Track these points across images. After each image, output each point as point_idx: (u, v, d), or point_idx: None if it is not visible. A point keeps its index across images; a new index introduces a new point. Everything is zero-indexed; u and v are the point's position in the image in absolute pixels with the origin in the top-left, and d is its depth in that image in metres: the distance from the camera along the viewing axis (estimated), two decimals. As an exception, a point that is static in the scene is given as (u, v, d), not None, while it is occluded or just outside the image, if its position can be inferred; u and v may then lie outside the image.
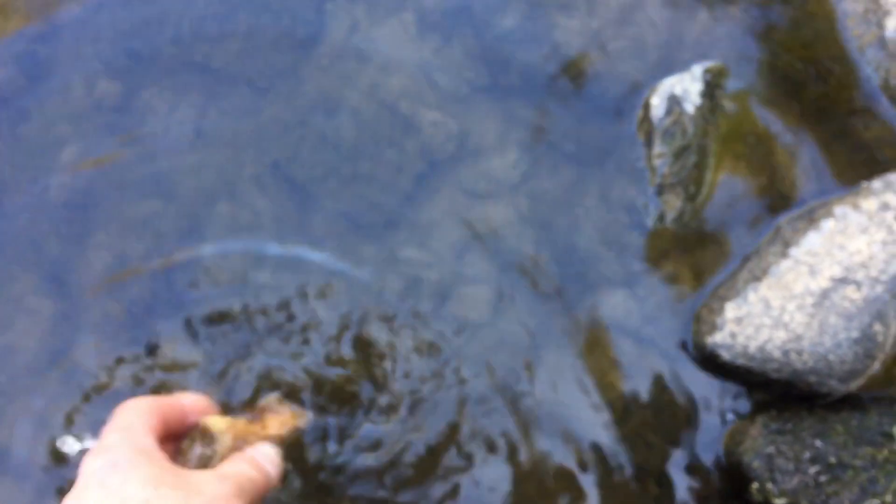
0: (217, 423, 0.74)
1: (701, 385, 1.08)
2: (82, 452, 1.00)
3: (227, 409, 0.95)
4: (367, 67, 1.21)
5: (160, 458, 0.63)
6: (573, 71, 1.21)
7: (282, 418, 0.82)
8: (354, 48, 1.22)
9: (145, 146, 1.17)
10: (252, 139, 1.17)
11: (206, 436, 0.72)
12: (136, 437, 0.64)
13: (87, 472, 0.61)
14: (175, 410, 0.71)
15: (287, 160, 1.17)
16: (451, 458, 1.05)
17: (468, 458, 1.05)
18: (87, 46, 1.22)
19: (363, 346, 1.09)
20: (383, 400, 1.06)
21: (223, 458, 0.72)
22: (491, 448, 1.06)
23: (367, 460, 1.04)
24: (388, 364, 1.08)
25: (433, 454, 1.05)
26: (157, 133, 1.17)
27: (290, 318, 1.10)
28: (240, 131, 1.18)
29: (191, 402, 0.75)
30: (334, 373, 1.07)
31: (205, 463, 0.71)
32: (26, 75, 1.21)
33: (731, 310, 1.05)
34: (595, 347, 1.10)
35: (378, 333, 1.09)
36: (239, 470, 0.68)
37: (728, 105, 1.18)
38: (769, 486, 1.00)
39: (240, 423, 0.76)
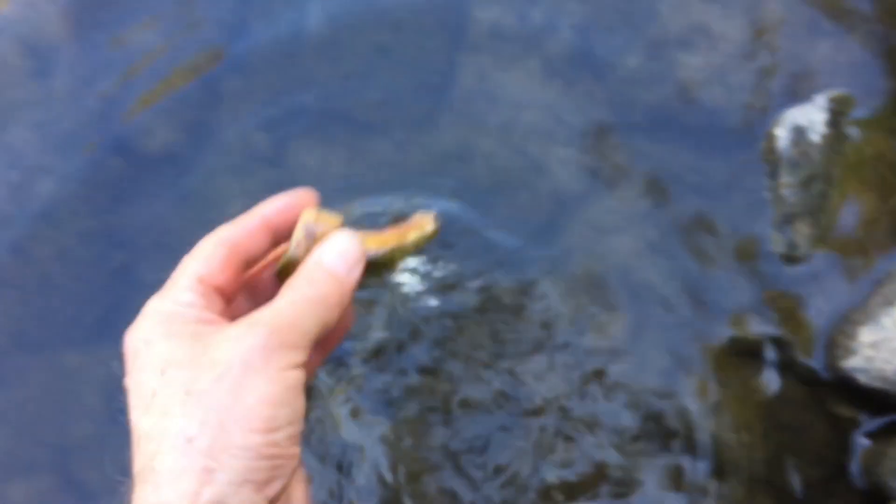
0: (313, 216, 0.59)
1: (838, 407, 1.12)
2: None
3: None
4: (496, 113, 1.30)
5: (184, 321, 0.52)
6: (696, 105, 1.26)
7: (414, 224, 0.66)
8: (484, 95, 1.30)
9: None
10: (396, 186, 1.27)
11: (300, 232, 0.59)
12: (174, 296, 0.54)
13: (125, 355, 0.53)
14: (255, 235, 0.59)
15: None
16: (601, 491, 1.12)
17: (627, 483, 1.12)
18: (244, 104, 1.34)
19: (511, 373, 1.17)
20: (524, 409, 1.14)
21: None
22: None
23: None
24: (531, 384, 1.16)
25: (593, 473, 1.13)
26: (312, 183, 1.28)
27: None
28: (383, 181, 1.27)
29: (285, 205, 0.61)
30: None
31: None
32: (189, 133, 1.34)
33: (865, 334, 1.09)
34: (731, 372, 1.15)
35: (522, 363, 1.17)
36: (285, 304, 0.53)
37: (854, 133, 1.21)
38: (912, 506, 1.03)
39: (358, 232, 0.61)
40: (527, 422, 1.14)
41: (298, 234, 0.59)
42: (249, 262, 0.60)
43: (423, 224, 0.65)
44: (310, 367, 0.56)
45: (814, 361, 1.14)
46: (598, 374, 1.16)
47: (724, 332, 1.16)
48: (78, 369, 1.23)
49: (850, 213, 1.18)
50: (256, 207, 0.60)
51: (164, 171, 1.30)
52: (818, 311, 1.16)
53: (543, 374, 1.17)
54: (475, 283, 1.22)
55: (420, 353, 1.18)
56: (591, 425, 1.14)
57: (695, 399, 1.14)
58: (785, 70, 1.26)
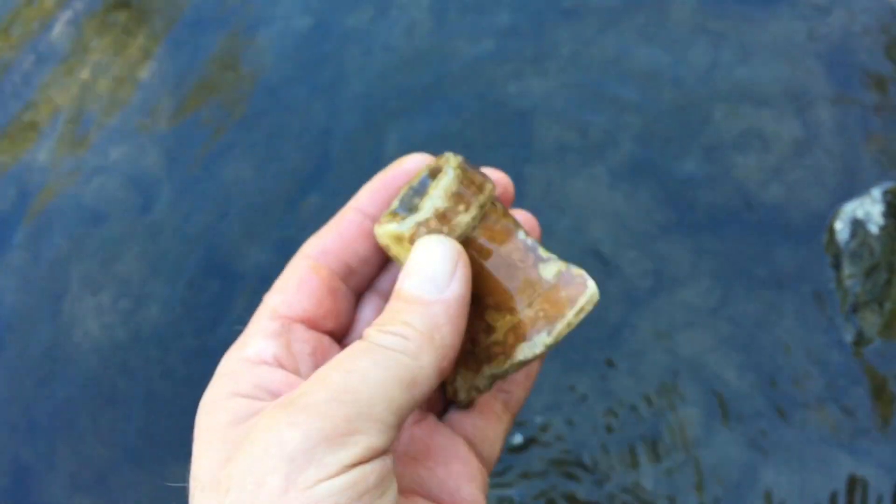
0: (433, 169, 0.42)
1: (923, 493, 1.14)
2: None
3: None
4: (566, 219, 1.38)
5: (241, 390, 0.37)
6: (756, 203, 1.33)
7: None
8: (553, 203, 1.39)
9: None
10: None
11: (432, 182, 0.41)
12: (240, 350, 0.40)
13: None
14: (350, 234, 0.44)
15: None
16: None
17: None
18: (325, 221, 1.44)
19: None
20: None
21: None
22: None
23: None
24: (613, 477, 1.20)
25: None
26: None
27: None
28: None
29: (387, 182, 0.44)
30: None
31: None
32: (276, 251, 1.45)
33: (943, 420, 1.12)
34: (810, 462, 1.18)
35: (609, 463, 1.22)
36: (334, 372, 0.35)
37: (912, 223, 1.26)
38: None
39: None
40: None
41: (404, 195, 0.43)
42: (355, 274, 0.44)
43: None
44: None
45: (893, 448, 1.16)
46: (677, 468, 1.20)
47: (801, 423, 1.20)
48: (182, 482, 1.30)
49: (916, 301, 1.22)
50: (352, 199, 0.45)
51: (256, 288, 1.40)
52: (893, 395, 1.19)
53: (625, 469, 1.21)
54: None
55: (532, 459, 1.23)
56: (679, 520, 1.18)
57: (773, 491, 1.17)
58: (839, 166, 1.32)
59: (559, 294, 0.40)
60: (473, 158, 1.38)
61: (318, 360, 0.40)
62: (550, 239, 1.36)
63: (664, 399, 1.25)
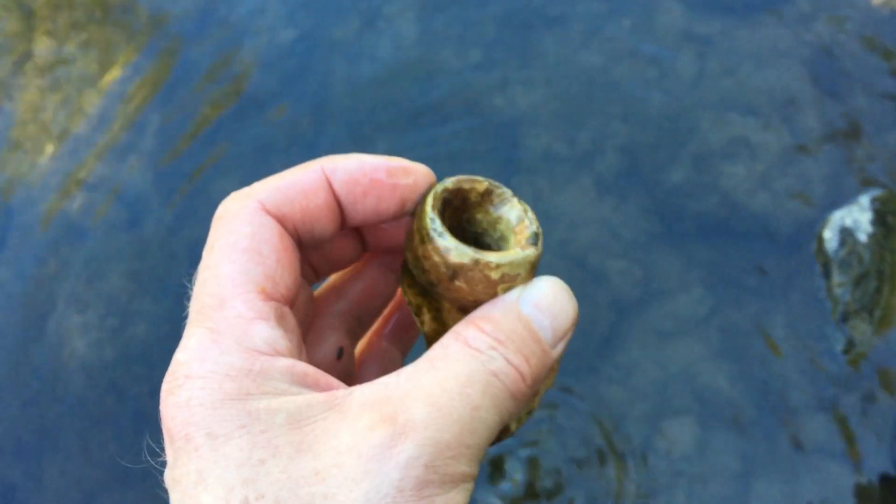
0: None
1: (915, 501, 1.14)
2: None
3: None
4: (555, 229, 1.37)
5: (269, 389, 0.32)
6: (744, 212, 1.33)
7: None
8: (542, 213, 1.38)
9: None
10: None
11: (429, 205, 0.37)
12: (237, 335, 0.33)
13: (168, 436, 0.33)
14: (314, 201, 0.37)
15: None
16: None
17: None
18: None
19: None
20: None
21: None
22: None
23: None
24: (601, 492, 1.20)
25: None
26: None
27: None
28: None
29: (364, 170, 0.37)
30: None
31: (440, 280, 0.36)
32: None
33: (934, 427, 1.12)
34: (802, 471, 1.18)
35: (595, 464, 1.21)
36: (442, 393, 0.32)
37: (900, 230, 1.26)
38: None
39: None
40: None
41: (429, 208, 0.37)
42: (302, 246, 0.38)
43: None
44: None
45: (884, 456, 1.16)
46: (670, 478, 1.20)
47: (792, 432, 1.20)
48: None
49: (905, 308, 1.23)
50: (327, 162, 0.38)
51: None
52: (883, 404, 1.19)
53: (615, 479, 1.21)
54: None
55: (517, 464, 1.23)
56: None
57: (769, 501, 1.17)
58: (827, 173, 1.32)
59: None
60: (461, 170, 1.37)
61: (300, 343, 0.36)
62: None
63: (655, 409, 1.25)
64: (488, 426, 0.32)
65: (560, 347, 0.36)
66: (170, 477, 0.32)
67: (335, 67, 1.54)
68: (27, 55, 1.70)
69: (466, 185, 0.39)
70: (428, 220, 0.36)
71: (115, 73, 1.62)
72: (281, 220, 0.36)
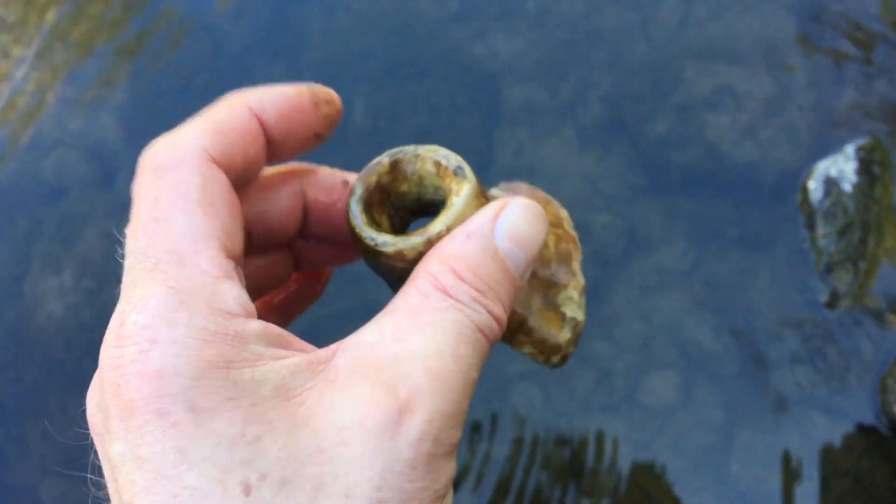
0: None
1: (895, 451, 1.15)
2: None
3: None
4: (537, 182, 1.35)
5: (253, 356, 0.29)
6: (729, 163, 1.31)
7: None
8: (524, 166, 1.36)
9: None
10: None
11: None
12: (208, 298, 0.29)
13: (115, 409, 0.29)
14: (244, 138, 0.34)
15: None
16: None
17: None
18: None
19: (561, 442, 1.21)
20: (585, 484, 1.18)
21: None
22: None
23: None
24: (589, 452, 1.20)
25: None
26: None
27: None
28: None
29: (292, 103, 0.36)
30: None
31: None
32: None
33: (916, 377, 1.12)
34: (786, 422, 1.18)
35: (582, 424, 1.22)
36: (429, 343, 0.30)
37: (887, 177, 1.24)
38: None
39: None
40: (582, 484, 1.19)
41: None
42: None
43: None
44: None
45: (867, 407, 1.17)
46: (655, 432, 1.20)
47: (775, 384, 1.20)
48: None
49: (891, 256, 1.22)
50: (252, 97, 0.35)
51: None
52: (866, 356, 1.19)
53: (599, 433, 1.21)
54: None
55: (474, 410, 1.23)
56: (650, 484, 1.18)
57: (748, 451, 1.17)
58: (812, 122, 1.30)
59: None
60: (441, 123, 1.35)
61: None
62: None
63: (639, 362, 1.24)
64: (475, 385, 0.31)
65: (527, 275, 0.35)
66: (119, 454, 0.28)
67: (310, 18, 1.50)
68: (-8, 8, 1.64)
69: (373, 178, 0.37)
70: (365, 239, 0.35)
71: (83, 26, 1.57)
72: (226, 170, 0.33)
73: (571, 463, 1.19)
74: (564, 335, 0.37)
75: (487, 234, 0.33)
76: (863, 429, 1.16)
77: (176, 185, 0.31)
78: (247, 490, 0.26)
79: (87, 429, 0.30)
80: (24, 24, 1.61)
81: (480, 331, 0.31)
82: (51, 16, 1.60)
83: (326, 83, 0.38)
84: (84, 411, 0.30)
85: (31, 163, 1.46)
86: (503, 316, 0.32)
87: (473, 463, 1.20)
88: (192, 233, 0.30)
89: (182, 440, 0.27)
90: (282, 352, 0.30)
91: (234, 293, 0.30)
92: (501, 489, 1.18)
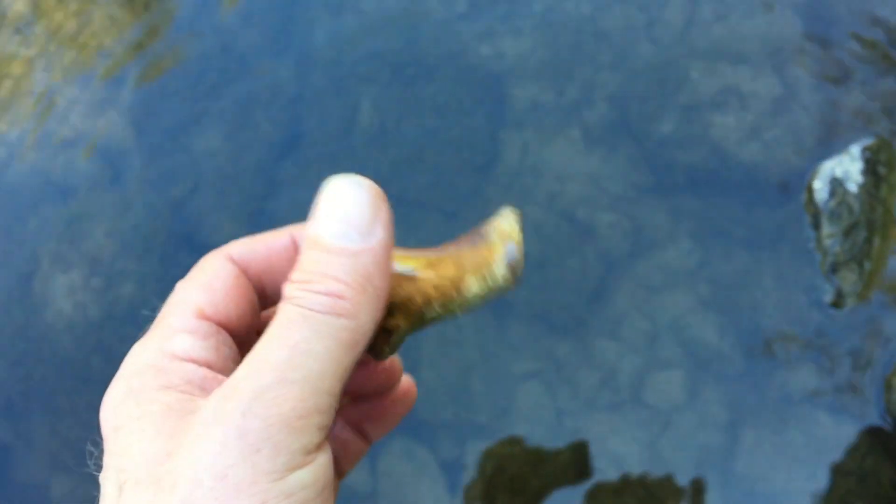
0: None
1: (900, 450, 1.15)
2: None
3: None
4: (542, 182, 1.36)
5: (167, 384, 0.33)
6: (734, 163, 1.31)
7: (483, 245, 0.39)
8: (530, 167, 1.37)
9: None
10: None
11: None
12: (159, 343, 0.35)
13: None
14: (280, 257, 0.38)
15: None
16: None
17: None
18: (300, 191, 1.42)
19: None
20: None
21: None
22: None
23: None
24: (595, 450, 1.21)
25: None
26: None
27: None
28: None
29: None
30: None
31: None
32: (250, 222, 1.42)
33: (921, 377, 1.12)
34: (791, 421, 1.18)
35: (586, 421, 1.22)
36: (273, 341, 0.32)
37: (893, 177, 1.25)
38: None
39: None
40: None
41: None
42: (268, 298, 0.40)
43: (494, 245, 0.38)
44: (345, 451, 0.41)
45: (871, 406, 1.17)
46: (660, 431, 1.21)
47: (780, 383, 1.20)
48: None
49: (895, 257, 1.22)
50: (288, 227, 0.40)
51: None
52: (871, 355, 1.19)
53: (607, 433, 1.21)
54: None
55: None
56: (657, 483, 1.18)
57: (754, 451, 1.17)
58: (817, 122, 1.30)
59: (486, 238, 0.39)
60: (448, 124, 1.34)
61: (236, 360, 0.37)
62: (527, 204, 1.34)
63: (644, 361, 1.25)
64: (335, 370, 0.32)
65: (379, 233, 0.34)
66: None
67: (319, 20, 1.51)
68: (1, 11, 1.65)
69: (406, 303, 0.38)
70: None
71: (93, 25, 1.58)
72: (244, 269, 0.38)
73: (576, 461, 1.20)
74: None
75: (304, 236, 0.35)
76: (867, 428, 1.16)
77: (193, 277, 0.38)
78: (123, 487, 0.32)
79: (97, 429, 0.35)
80: (33, 26, 1.62)
81: (311, 309, 0.32)
82: (59, 17, 1.61)
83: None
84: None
85: (40, 163, 1.48)
86: (336, 286, 0.33)
87: (477, 461, 1.20)
88: (178, 302, 0.37)
89: (107, 456, 0.33)
90: (195, 389, 0.34)
91: (185, 343, 0.35)
92: (505, 488, 1.19)
